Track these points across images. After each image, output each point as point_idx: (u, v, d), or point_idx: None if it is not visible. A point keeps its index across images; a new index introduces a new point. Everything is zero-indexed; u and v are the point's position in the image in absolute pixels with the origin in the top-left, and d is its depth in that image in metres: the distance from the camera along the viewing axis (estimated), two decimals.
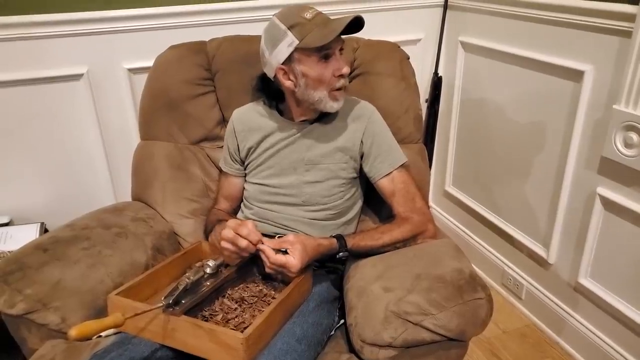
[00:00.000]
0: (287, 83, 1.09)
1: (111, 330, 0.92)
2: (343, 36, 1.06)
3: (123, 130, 1.58)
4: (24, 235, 1.38)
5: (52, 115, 1.49)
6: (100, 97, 1.52)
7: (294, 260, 0.94)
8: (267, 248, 0.95)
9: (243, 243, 0.94)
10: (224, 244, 0.96)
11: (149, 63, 1.36)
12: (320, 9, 1.12)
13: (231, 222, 0.97)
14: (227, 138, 1.25)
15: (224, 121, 1.38)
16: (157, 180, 1.32)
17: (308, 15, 1.04)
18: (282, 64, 1.07)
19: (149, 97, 1.34)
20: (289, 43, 1.04)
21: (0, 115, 1.44)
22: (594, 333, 1.43)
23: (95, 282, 1.03)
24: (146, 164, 1.34)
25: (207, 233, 1.20)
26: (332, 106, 1.10)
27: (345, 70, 1.07)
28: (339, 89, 1.09)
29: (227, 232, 0.96)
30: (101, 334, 0.91)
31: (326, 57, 1.05)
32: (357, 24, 1.04)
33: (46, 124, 1.50)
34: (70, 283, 1.00)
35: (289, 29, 1.04)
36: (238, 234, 0.95)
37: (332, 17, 1.06)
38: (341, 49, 1.08)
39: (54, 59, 1.43)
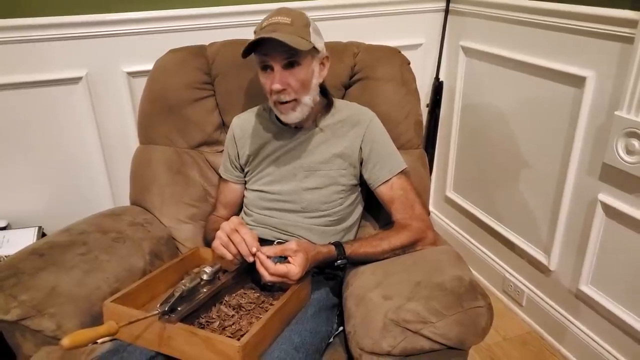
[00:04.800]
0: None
1: (106, 338, 0.91)
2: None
3: (122, 134, 1.57)
4: (21, 240, 1.37)
5: (50, 119, 1.49)
6: (99, 101, 1.52)
7: (295, 269, 0.93)
8: (266, 260, 0.93)
9: (233, 250, 0.94)
10: (218, 248, 0.96)
11: (149, 67, 1.35)
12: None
13: (225, 227, 0.96)
14: (227, 145, 1.24)
15: (223, 125, 1.38)
16: (156, 185, 1.31)
17: (265, 23, 1.03)
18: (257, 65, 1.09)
19: (148, 101, 1.34)
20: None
21: None
22: (595, 340, 1.42)
23: (91, 288, 1.02)
24: (145, 168, 1.33)
25: (208, 241, 1.19)
26: (280, 116, 1.11)
27: (274, 87, 1.03)
28: (282, 103, 1.06)
29: (221, 237, 0.96)
30: (96, 341, 0.90)
31: (266, 68, 1.05)
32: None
33: (44, 127, 1.49)
34: (66, 289, 0.99)
35: (254, 33, 1.06)
36: (231, 239, 0.94)
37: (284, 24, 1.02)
38: (292, 63, 1.03)
39: (52, 62, 1.43)
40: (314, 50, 1.06)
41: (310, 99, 1.09)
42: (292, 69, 1.04)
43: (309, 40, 1.04)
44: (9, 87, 1.41)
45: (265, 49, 1.02)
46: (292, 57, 1.03)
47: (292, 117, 1.09)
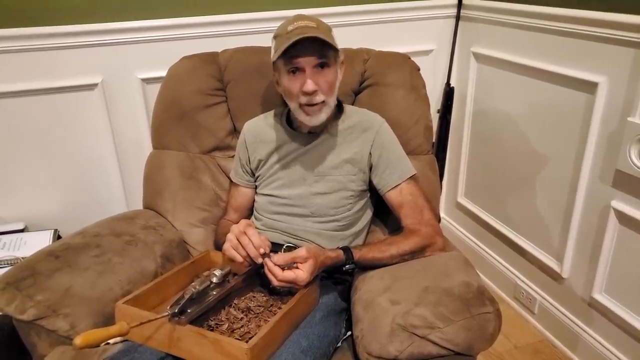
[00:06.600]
0: (279, 90, 1.12)
1: (118, 338, 0.93)
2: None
3: (136, 139, 1.60)
4: (37, 242, 1.41)
5: (66, 124, 1.52)
6: (114, 107, 1.55)
7: (303, 275, 0.94)
8: (274, 266, 0.94)
9: (243, 253, 0.96)
10: (228, 251, 0.97)
11: (162, 73, 1.38)
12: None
13: (234, 230, 0.98)
14: (238, 150, 1.26)
15: (235, 131, 1.40)
16: (168, 189, 1.34)
17: (291, 27, 1.04)
18: (274, 71, 1.11)
19: (162, 107, 1.36)
20: (272, 52, 1.08)
21: (16, 124, 1.48)
22: (608, 349, 1.39)
23: (104, 290, 1.04)
24: (158, 172, 1.36)
25: (218, 245, 1.20)
26: (305, 119, 1.10)
27: (308, 87, 1.03)
28: (310, 105, 1.07)
29: (230, 239, 0.97)
30: (108, 341, 0.92)
31: (295, 71, 1.05)
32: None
33: (61, 132, 1.53)
34: (80, 290, 1.01)
35: (273, 38, 1.08)
36: (239, 242, 0.96)
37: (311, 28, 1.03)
38: (322, 65, 1.04)
39: (69, 69, 1.47)
40: (338, 53, 1.08)
41: (334, 101, 1.11)
42: (322, 70, 1.05)
43: (335, 43, 1.06)
44: (26, 93, 1.45)
45: (296, 51, 1.03)
46: (322, 59, 1.04)
47: (318, 118, 1.09)
